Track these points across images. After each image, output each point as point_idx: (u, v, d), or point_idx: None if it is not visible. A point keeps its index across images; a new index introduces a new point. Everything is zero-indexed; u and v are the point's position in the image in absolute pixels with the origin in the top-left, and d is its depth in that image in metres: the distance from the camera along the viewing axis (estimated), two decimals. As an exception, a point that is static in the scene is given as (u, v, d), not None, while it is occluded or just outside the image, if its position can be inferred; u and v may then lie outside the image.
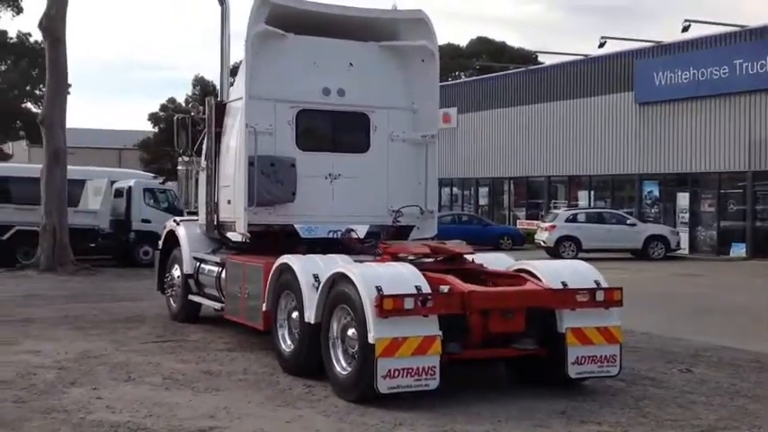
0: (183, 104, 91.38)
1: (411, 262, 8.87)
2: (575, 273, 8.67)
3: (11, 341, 11.07)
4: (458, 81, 52.19)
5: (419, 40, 11.03)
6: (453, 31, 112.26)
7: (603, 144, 37.23)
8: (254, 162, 10.14)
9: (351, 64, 10.85)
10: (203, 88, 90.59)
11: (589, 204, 37.58)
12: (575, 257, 30.30)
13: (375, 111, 10.93)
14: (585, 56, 39.17)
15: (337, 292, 8.11)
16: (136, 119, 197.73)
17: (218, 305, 11.29)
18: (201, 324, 12.36)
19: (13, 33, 59.21)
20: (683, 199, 33.82)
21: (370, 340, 7.51)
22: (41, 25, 22.05)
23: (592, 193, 38.55)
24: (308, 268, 8.76)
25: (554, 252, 30.92)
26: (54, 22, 22.11)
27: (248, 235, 10.49)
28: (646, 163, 35.20)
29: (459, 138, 45.11)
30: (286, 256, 9.26)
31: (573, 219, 31.93)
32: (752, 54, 30.79)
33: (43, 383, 8.53)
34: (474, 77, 51.35)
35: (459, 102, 45.48)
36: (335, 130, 11.19)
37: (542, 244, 31.73)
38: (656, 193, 35.47)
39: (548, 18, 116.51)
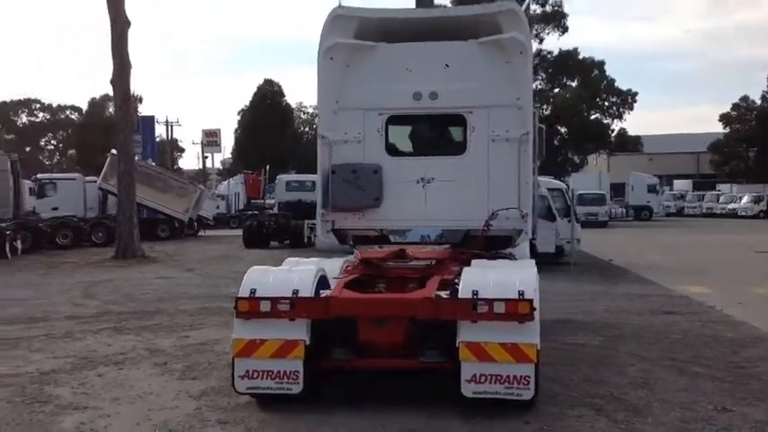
0: (759, 101, 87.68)
1: (385, 267, 9.00)
2: (498, 281, 7.83)
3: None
4: None
5: (513, 32, 10.15)
6: None
7: None
8: (334, 170, 10.32)
9: (447, 65, 10.35)
10: None
11: None
12: None
13: (473, 111, 10.30)
14: None
15: None
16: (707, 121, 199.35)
17: None
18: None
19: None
20: None
21: (231, 340, 7.90)
22: None
23: None
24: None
25: None
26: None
27: (322, 238, 10.91)
28: None
29: None
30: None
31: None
32: None
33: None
34: None
35: None
36: (427, 134, 10.91)
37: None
38: None
39: None
